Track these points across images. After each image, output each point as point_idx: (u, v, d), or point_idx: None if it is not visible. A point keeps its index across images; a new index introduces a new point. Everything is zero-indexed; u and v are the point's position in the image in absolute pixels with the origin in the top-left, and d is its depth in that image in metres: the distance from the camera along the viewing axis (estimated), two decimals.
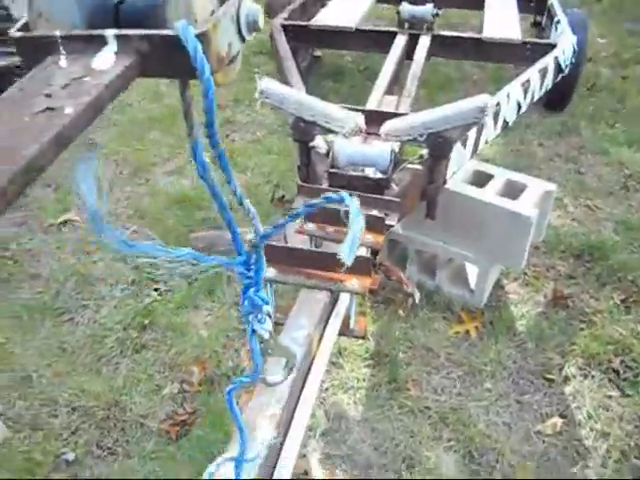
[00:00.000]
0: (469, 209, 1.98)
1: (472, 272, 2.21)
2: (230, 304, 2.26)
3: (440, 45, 2.88)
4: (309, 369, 1.20)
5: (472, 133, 1.98)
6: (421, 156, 1.78)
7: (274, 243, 1.39)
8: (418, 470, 1.69)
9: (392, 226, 1.52)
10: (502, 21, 3.05)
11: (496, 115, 2.11)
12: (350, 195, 0.60)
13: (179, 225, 2.61)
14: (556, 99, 3.36)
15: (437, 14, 2.93)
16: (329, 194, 0.61)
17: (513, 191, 2.03)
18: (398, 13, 2.98)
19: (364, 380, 1.96)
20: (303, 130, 1.80)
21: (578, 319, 2.14)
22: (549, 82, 2.56)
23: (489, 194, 1.97)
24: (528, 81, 2.33)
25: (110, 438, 1.84)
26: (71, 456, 1.78)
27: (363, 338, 1.56)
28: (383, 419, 1.83)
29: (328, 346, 1.27)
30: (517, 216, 1.88)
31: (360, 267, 1.31)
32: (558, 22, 2.98)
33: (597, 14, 4.67)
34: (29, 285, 2.39)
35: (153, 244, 0.63)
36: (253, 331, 0.75)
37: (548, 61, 2.50)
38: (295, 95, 1.77)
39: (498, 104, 2.12)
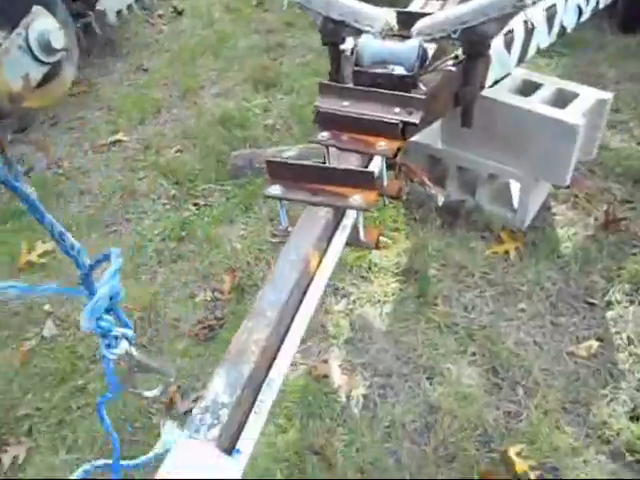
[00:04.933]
0: (511, 119, 1.84)
1: (516, 191, 2.09)
2: (265, 219, 2.27)
3: None
4: (305, 292, 1.15)
5: (519, 36, 1.82)
6: (456, 56, 1.66)
7: (278, 159, 1.35)
8: (438, 381, 1.67)
9: (414, 124, 1.43)
10: None
11: (551, 18, 1.92)
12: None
13: (221, 144, 2.63)
14: (632, 17, 3.03)
15: None
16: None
17: (562, 100, 1.87)
18: None
19: (392, 294, 1.93)
20: (332, 31, 1.72)
21: (630, 244, 1.98)
22: None
23: (533, 102, 1.82)
24: None
25: (145, 337, 1.93)
26: None
27: (375, 248, 1.48)
28: (408, 332, 1.81)
29: (330, 263, 1.22)
30: (561, 124, 1.73)
31: (363, 181, 1.25)
32: None
33: None
34: (79, 199, 2.52)
35: None
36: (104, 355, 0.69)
37: None
38: None
39: (554, 5, 1.93)
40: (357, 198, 1.23)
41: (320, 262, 1.21)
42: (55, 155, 2.78)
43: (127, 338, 0.67)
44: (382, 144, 1.36)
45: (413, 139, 2.17)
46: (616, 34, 3.10)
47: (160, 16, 3.78)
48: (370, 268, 2.01)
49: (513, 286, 1.91)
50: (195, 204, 2.40)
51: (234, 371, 0.94)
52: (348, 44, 1.78)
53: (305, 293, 1.14)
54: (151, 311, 2.00)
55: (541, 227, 2.08)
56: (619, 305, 1.82)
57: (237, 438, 0.90)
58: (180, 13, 3.79)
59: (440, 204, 1.46)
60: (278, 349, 1.04)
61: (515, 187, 2.11)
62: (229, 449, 0.87)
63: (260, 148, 2.55)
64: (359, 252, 2.03)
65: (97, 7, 3.38)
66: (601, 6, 2.21)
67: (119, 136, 2.81)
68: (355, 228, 1.31)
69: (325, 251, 1.23)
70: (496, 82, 1.84)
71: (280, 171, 1.31)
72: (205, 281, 2.08)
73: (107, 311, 0.63)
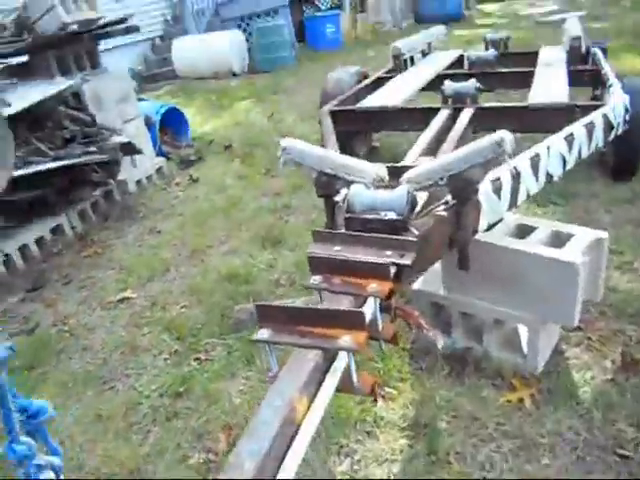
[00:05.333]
0: (510, 262, 1.84)
1: (525, 335, 2.01)
2: (267, 372, 2.17)
3: (483, 116, 2.87)
4: (290, 442, 1.06)
5: (507, 182, 1.90)
6: (446, 202, 1.72)
7: (267, 303, 1.34)
8: None
9: (408, 266, 1.43)
10: (549, 90, 3.02)
11: (535, 166, 2.03)
12: None
13: (225, 299, 2.64)
14: (622, 166, 3.20)
15: (480, 89, 2.97)
16: None
17: (559, 241, 1.88)
18: (442, 92, 3.05)
19: (400, 452, 1.76)
20: (326, 184, 1.82)
21: None
22: (599, 139, 2.45)
23: (530, 244, 1.83)
24: (572, 135, 2.24)
25: None
26: None
27: (370, 395, 1.38)
28: None
29: (319, 409, 1.14)
30: (561, 264, 1.72)
31: (352, 322, 1.21)
32: (610, 85, 2.91)
33: None
34: (80, 356, 2.47)
35: None
36: None
37: (595, 116, 2.41)
38: (316, 150, 1.81)
39: (537, 155, 2.04)
40: (346, 339, 1.17)
41: (308, 408, 1.12)
42: (63, 312, 2.81)
43: (53, 468, 0.59)
44: (373, 286, 1.34)
45: (416, 286, 2.18)
46: (606, 183, 3.23)
47: (177, 184, 4.08)
48: (376, 422, 1.87)
49: (532, 438, 1.74)
50: (197, 359, 2.33)
51: None
52: (341, 195, 1.87)
53: (290, 443, 1.04)
54: (138, 476, 1.83)
55: (555, 372, 1.96)
56: None
57: None
58: (195, 181, 4.09)
59: (440, 347, 1.39)
60: None
61: (523, 331, 2.04)
62: None
63: (263, 301, 2.55)
64: (363, 404, 1.90)
65: (118, 177, 3.67)
66: (584, 155, 2.33)
67: (127, 293, 2.85)
68: (348, 373, 1.24)
69: (314, 396, 1.15)
70: (490, 227, 1.88)
71: (270, 315, 1.28)
72: (200, 441, 1.94)
73: (29, 433, 0.56)
